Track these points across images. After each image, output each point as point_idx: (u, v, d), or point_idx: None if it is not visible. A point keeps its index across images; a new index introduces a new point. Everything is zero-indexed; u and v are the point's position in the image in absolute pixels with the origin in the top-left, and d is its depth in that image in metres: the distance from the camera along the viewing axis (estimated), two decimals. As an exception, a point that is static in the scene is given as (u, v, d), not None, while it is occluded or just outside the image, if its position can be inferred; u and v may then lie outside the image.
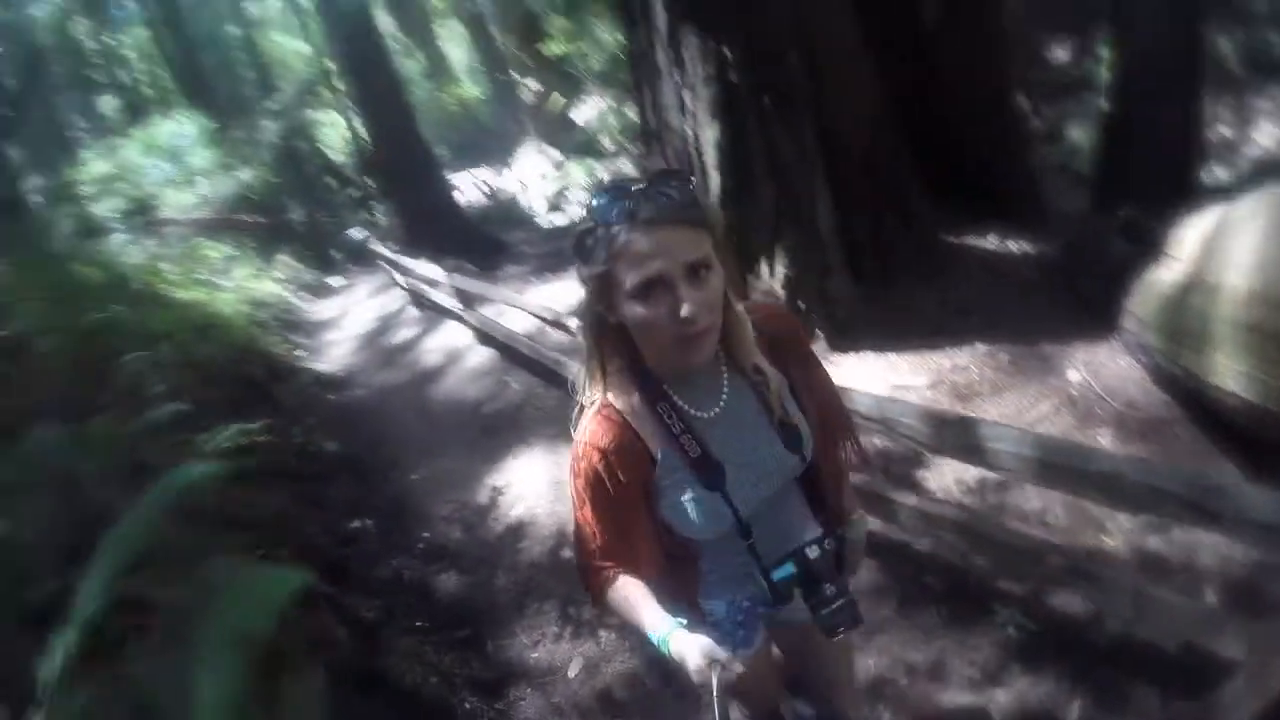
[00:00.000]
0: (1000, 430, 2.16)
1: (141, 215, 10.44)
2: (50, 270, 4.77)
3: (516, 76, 17.12)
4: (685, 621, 1.36)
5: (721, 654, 1.27)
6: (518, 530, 4.23)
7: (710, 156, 4.97)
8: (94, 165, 10.69)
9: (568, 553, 3.84)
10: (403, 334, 9.06)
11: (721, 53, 4.79)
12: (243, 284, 10.09)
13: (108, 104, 19.08)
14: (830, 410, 1.59)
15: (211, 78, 17.66)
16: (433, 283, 8.30)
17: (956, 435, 2.26)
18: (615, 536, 1.45)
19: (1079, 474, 1.98)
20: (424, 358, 7.92)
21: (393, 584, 3.68)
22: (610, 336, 1.41)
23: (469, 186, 15.46)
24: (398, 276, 10.07)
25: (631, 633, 1.44)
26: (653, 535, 1.47)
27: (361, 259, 13.65)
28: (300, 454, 4.92)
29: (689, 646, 1.29)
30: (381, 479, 5.16)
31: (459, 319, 7.63)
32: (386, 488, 5.05)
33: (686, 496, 1.43)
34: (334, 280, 13.14)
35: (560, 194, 13.22)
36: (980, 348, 4.43)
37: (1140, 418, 3.55)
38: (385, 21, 20.36)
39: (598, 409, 1.43)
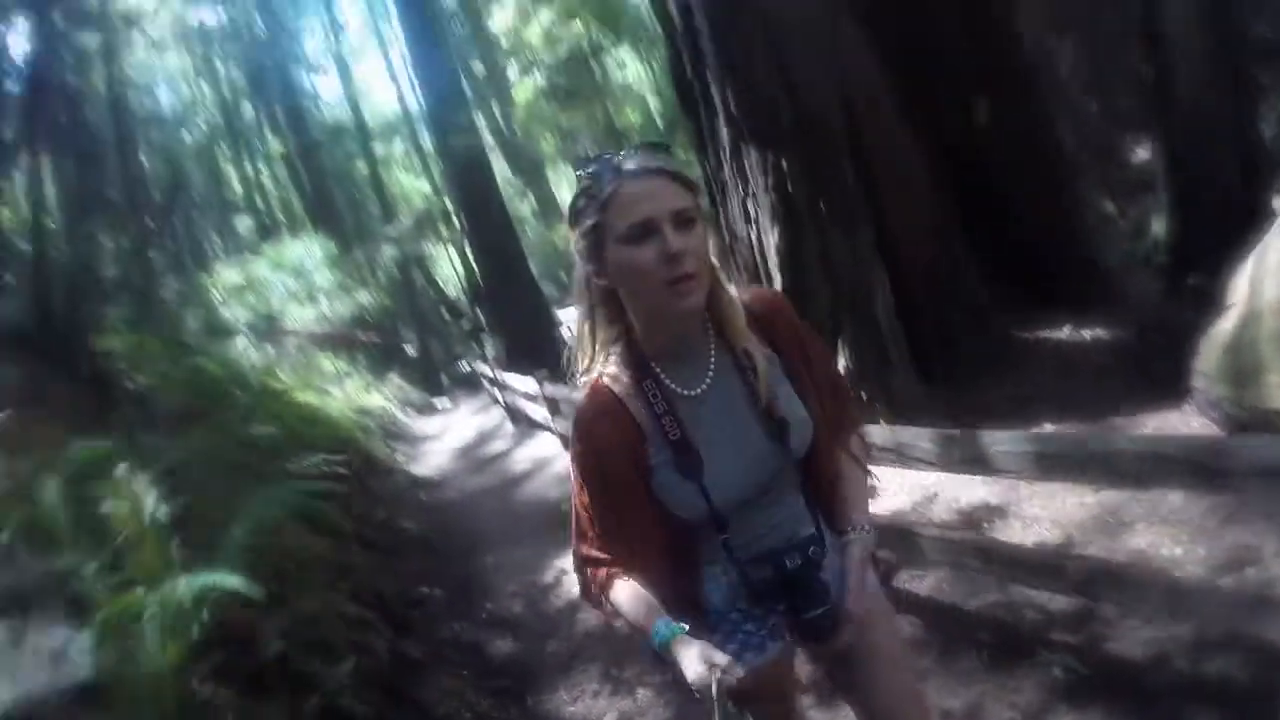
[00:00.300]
0: (999, 435, 2.24)
1: (266, 325, 11.65)
2: (172, 347, 5.53)
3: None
4: (686, 626, 1.32)
5: (721, 659, 1.24)
6: (577, 605, 4.32)
7: (772, 260, 5.32)
8: (226, 275, 12.09)
9: (619, 621, 3.95)
10: (497, 446, 9.60)
11: (780, 166, 5.24)
12: (352, 395, 10.98)
13: (243, 223, 21.32)
14: (829, 398, 1.52)
15: (338, 207, 19.71)
16: (529, 396, 8.84)
17: (962, 448, 2.34)
18: (613, 522, 1.44)
19: (1079, 458, 2.03)
20: (513, 466, 8.35)
21: (450, 641, 3.86)
22: (603, 306, 1.42)
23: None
24: (497, 394, 10.76)
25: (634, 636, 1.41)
26: (651, 519, 1.43)
27: (467, 385, 14.59)
28: (381, 528, 5.30)
29: (688, 651, 1.26)
30: (457, 560, 5.41)
31: (548, 429, 8.07)
32: (460, 567, 5.28)
33: (667, 478, 1.40)
34: (439, 402, 14.04)
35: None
36: (1048, 428, 4.39)
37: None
38: (500, 165, 22.61)
39: (591, 386, 1.43)
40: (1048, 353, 5.21)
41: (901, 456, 2.62)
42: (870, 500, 1.66)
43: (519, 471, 7.99)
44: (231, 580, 1.68)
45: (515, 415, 9.83)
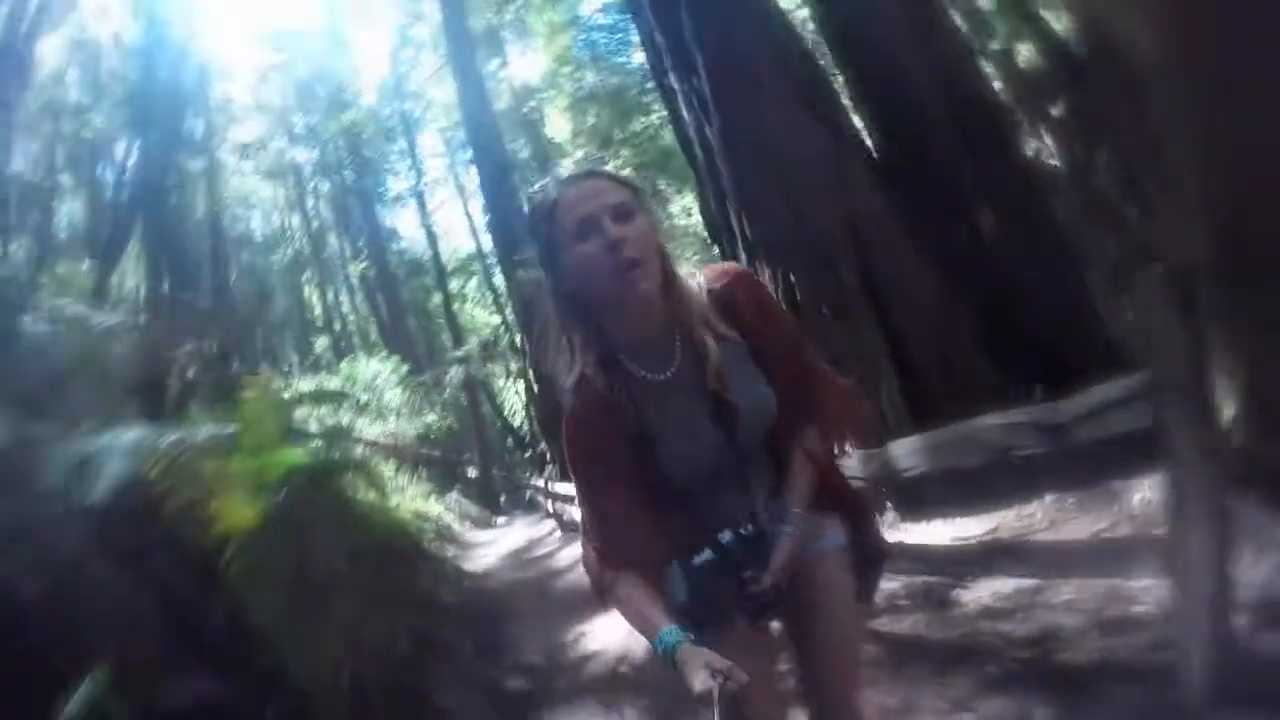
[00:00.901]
0: (903, 442, 2.70)
1: (335, 434, 12.45)
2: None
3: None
4: (690, 636, 1.36)
5: (723, 664, 1.26)
6: (588, 657, 4.73)
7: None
8: (302, 387, 13.08)
9: (624, 668, 4.32)
10: (543, 549, 10.12)
11: (787, 277, 5.96)
12: (411, 502, 11.59)
13: (320, 342, 22.81)
14: (793, 380, 1.53)
15: (411, 334, 21.19)
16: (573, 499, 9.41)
17: (878, 459, 2.80)
18: (615, 509, 1.48)
19: (953, 442, 2.47)
20: (554, 563, 8.83)
21: (471, 675, 4.29)
22: (570, 313, 1.48)
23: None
24: (549, 504, 11.38)
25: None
26: (649, 497, 1.49)
27: (527, 507, 15.23)
28: (422, 595, 5.80)
29: (692, 659, 1.28)
30: (489, 627, 5.86)
31: (589, 529, 8.58)
32: (491, 632, 5.75)
33: (640, 460, 1.47)
34: (497, 519, 14.66)
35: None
36: (1048, 498, 4.46)
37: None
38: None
39: (575, 385, 1.49)
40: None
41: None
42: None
43: (559, 568, 8.42)
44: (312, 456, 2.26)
45: (563, 521, 10.39)
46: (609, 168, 1.67)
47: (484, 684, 4.30)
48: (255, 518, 1.85)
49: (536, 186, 1.57)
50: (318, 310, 24.23)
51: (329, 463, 2.46)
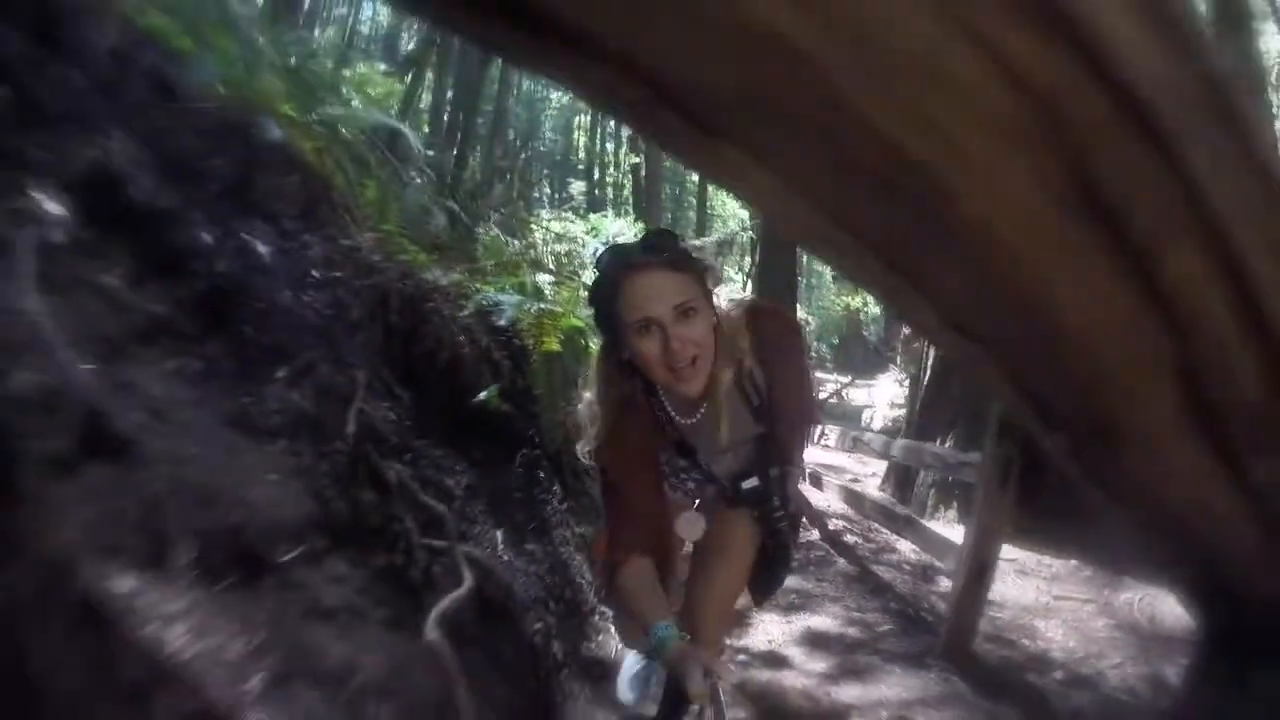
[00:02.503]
0: (899, 440, 4.60)
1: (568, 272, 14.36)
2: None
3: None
4: (686, 635, 1.57)
5: (717, 665, 1.47)
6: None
7: (933, 362, 7.42)
8: (550, 223, 13.32)
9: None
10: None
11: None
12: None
13: (576, 187, 24.16)
14: (790, 401, 1.83)
15: (663, 203, 22.18)
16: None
17: (849, 437, 4.75)
18: (638, 497, 1.75)
19: (913, 450, 4.29)
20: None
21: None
22: (620, 367, 1.72)
23: (829, 385, 17.82)
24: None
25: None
26: (656, 471, 1.85)
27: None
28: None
29: (689, 658, 1.46)
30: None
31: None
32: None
33: (669, 457, 1.90)
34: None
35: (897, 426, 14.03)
36: (1072, 563, 5.12)
37: (1151, 630, 3.99)
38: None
39: (623, 400, 1.75)
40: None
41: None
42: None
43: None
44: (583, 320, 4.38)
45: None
46: (678, 248, 1.68)
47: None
48: (557, 347, 4.05)
49: (602, 258, 1.66)
50: (581, 154, 26.15)
51: (588, 324, 4.47)
